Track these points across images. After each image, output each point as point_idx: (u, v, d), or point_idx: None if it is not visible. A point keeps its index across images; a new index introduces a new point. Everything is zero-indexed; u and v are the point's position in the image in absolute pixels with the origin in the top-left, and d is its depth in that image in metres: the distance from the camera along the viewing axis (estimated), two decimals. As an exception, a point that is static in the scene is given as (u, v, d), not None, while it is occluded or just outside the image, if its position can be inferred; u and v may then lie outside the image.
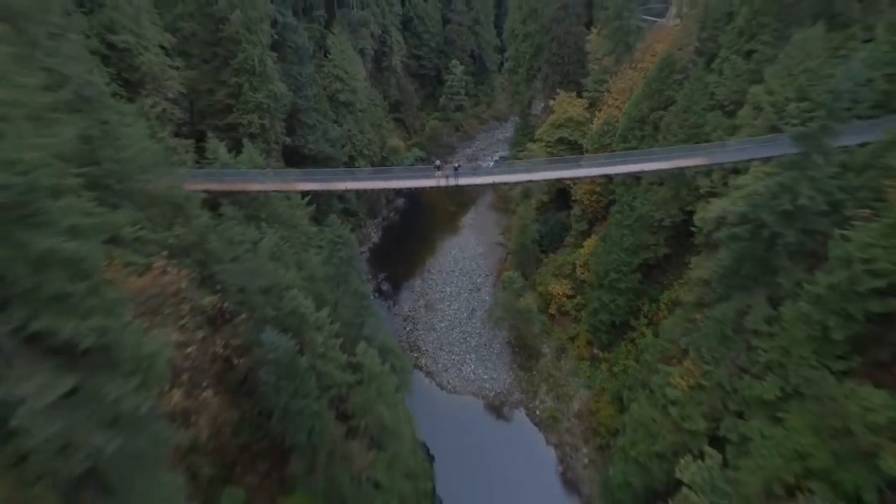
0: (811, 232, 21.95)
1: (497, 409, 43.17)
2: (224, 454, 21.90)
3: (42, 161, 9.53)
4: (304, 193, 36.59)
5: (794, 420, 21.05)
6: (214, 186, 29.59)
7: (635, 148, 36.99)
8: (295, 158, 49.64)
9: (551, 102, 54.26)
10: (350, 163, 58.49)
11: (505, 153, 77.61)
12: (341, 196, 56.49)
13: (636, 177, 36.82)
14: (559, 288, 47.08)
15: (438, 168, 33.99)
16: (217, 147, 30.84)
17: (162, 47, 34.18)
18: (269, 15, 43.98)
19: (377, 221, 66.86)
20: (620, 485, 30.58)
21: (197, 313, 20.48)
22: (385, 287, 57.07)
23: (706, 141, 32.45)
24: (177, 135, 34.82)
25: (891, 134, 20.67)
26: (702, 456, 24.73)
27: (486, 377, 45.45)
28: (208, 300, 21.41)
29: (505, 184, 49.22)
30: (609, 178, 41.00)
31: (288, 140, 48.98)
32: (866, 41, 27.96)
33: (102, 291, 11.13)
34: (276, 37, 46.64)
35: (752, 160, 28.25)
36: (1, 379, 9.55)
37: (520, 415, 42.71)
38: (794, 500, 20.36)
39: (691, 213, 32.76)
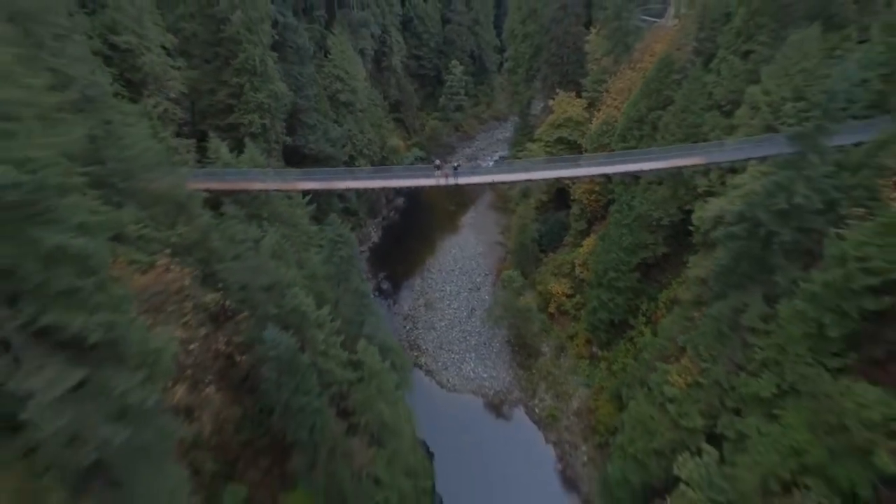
0: (807, 230, 22.12)
1: (496, 407, 43.39)
2: (226, 450, 22.10)
3: (51, 160, 9.78)
4: (305, 193, 36.84)
5: (791, 417, 21.19)
6: (216, 185, 29.84)
7: (634, 147, 37.20)
8: (295, 158, 49.87)
9: (550, 102, 54.50)
10: (350, 162, 58.73)
11: (504, 153, 77.80)
12: (341, 195, 56.72)
13: (635, 176, 37.04)
14: (558, 287, 47.31)
15: (438, 167, 34.23)
16: (219, 147, 31.10)
17: (164, 48, 34.40)
18: (269, 15, 44.26)
19: (377, 221, 67.10)
20: (619, 482, 30.76)
21: (199, 311, 20.73)
22: (385, 286, 57.31)
23: (704, 140, 32.65)
24: (178, 135, 35.07)
25: (885, 133, 20.87)
26: (699, 453, 24.91)
27: (485, 375, 45.68)
28: (211, 298, 21.66)
29: (504, 183, 49.49)
30: (608, 178, 41.24)
31: (288, 140, 49.25)
32: (861, 42, 28.18)
33: (109, 288, 11.38)
34: (276, 37, 46.91)
35: (748, 159, 28.48)
36: (11, 373, 9.79)
37: (519, 413, 42.94)
38: (789, 495, 20.54)
39: (689, 212, 32.95)
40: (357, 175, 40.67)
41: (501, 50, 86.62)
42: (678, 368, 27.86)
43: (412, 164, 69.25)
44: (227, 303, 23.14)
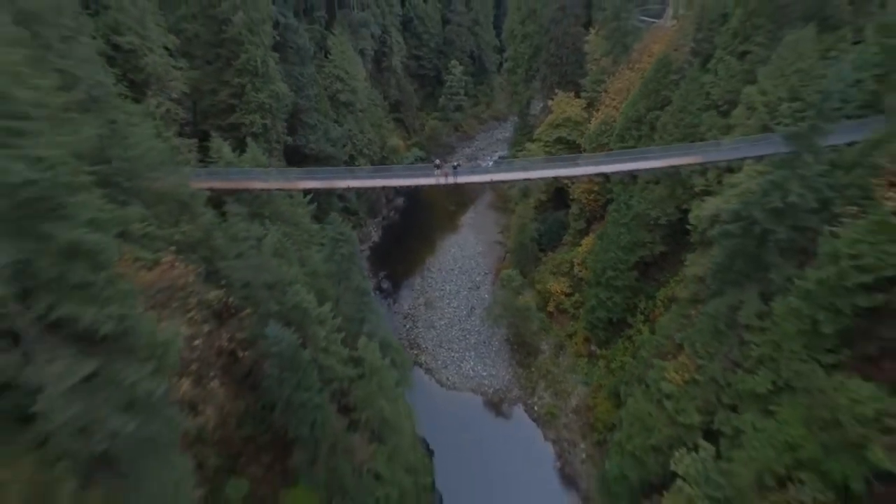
0: (801, 229, 22.39)
1: (496, 405, 43.66)
2: (229, 445, 22.39)
3: (62, 158, 10.09)
4: (306, 192, 37.15)
5: (786, 413, 21.44)
6: (219, 185, 30.15)
7: (632, 147, 37.53)
8: (296, 158, 50.16)
9: (550, 102, 54.79)
10: (350, 162, 59.07)
11: (504, 153, 78.04)
12: (341, 195, 57.05)
13: (633, 176, 37.35)
14: (557, 286, 47.62)
15: (438, 167, 34.57)
16: (221, 146, 31.40)
17: (166, 48, 34.67)
18: (271, 16, 44.60)
19: (377, 220, 67.41)
20: (617, 478, 31.06)
21: (203, 307, 21.05)
22: (385, 285, 57.61)
23: (702, 140, 32.97)
24: (180, 134, 35.34)
25: (878, 133, 21.15)
26: (696, 449, 25.21)
27: (485, 374, 45.97)
28: (214, 294, 21.96)
29: (503, 182, 49.75)
30: (606, 178, 41.53)
31: (289, 139, 49.56)
32: (856, 42, 28.49)
33: (118, 282, 11.69)
34: (277, 38, 47.28)
35: (745, 159, 28.78)
36: (26, 364, 10.10)
37: (518, 411, 43.20)
38: (784, 490, 20.79)
39: (687, 211, 33.25)
40: (357, 174, 41.04)
41: (501, 50, 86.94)
42: (675, 365, 28.13)
43: (412, 163, 69.57)
44: (231, 300, 23.45)
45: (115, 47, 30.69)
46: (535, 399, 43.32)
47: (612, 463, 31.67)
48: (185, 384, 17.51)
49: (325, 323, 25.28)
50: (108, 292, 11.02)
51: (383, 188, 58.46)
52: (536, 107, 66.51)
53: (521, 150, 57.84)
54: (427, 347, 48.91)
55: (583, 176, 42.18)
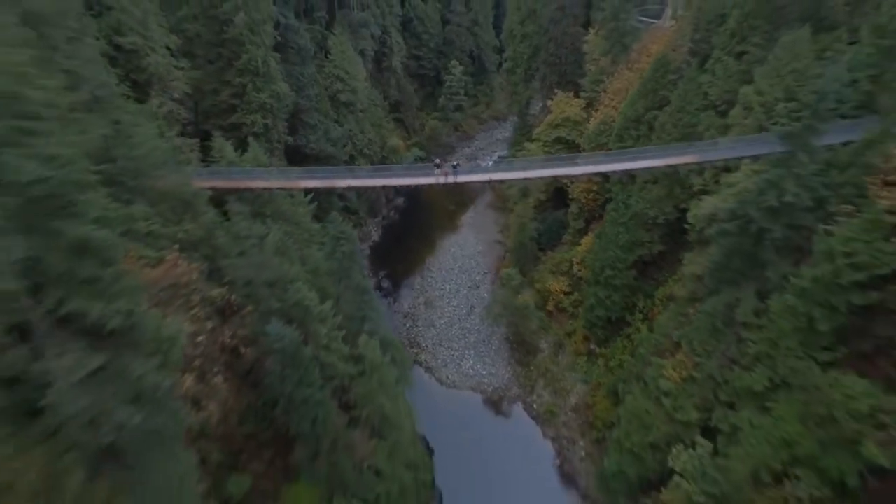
0: (797, 227, 22.64)
1: (495, 403, 43.85)
2: (231, 442, 22.64)
3: (73, 157, 10.36)
4: (307, 191, 37.39)
5: (782, 409, 21.67)
6: (221, 184, 30.37)
7: (631, 147, 37.76)
8: (297, 157, 50.39)
9: (549, 102, 55.01)
10: (350, 162, 59.27)
11: (504, 153, 78.27)
12: (342, 195, 57.30)
13: (631, 175, 37.58)
14: (556, 285, 47.83)
15: (438, 166, 34.82)
16: (223, 146, 31.65)
17: (168, 49, 34.90)
18: (272, 17, 44.85)
19: (377, 220, 67.64)
20: (615, 475, 31.26)
21: (206, 304, 21.32)
22: (385, 285, 57.82)
23: (699, 140, 33.19)
24: (182, 134, 35.58)
25: (872, 133, 21.39)
26: (693, 445, 25.48)
27: (484, 372, 46.16)
28: (217, 292, 22.23)
29: (502, 181, 49.95)
30: (605, 177, 41.76)
31: (290, 139, 49.79)
32: (851, 43, 28.77)
33: (124, 278, 11.95)
34: (278, 38, 47.55)
35: (741, 158, 29.02)
36: (37, 357, 10.37)
37: (518, 409, 43.38)
38: (780, 486, 21.06)
39: (685, 210, 33.50)
40: (358, 173, 41.28)
41: (500, 50, 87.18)
42: (673, 363, 28.35)
43: (412, 163, 69.83)
44: (233, 297, 23.72)
45: (118, 48, 30.88)
46: (535, 397, 43.53)
47: (610, 460, 31.87)
48: (189, 380, 17.79)
49: (326, 321, 25.55)
50: (115, 288, 11.30)
51: (383, 188, 58.69)
52: (536, 107, 66.75)
53: (520, 150, 58.08)
54: (427, 346, 49.12)
55: (582, 175, 42.42)
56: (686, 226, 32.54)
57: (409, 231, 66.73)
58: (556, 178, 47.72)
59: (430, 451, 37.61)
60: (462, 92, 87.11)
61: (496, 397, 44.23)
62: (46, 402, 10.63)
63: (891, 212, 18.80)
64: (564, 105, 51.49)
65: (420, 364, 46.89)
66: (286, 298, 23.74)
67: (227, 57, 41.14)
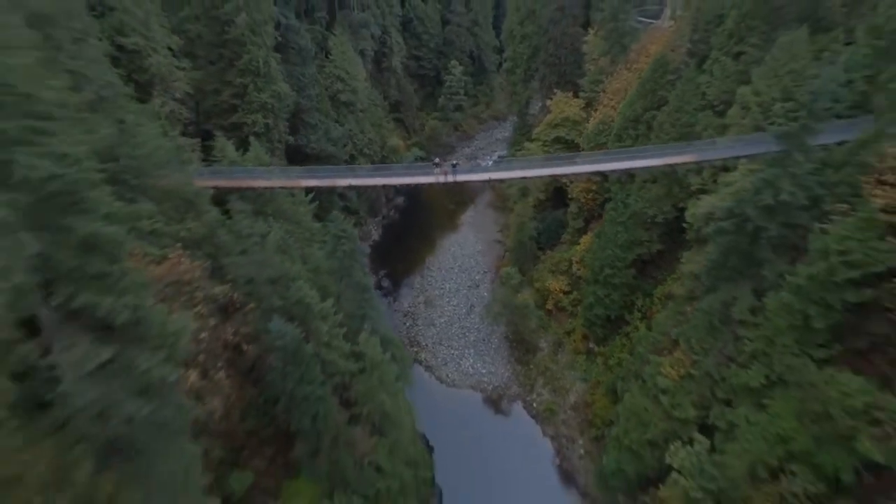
0: (792, 226, 22.83)
1: (495, 402, 44.05)
2: (233, 438, 22.88)
3: (83, 155, 10.61)
4: (308, 190, 37.63)
5: (778, 406, 21.87)
6: (223, 183, 30.59)
7: (630, 146, 37.98)
8: (298, 157, 50.65)
9: (548, 102, 55.26)
10: (351, 161, 59.57)
11: (504, 152, 78.49)
12: (342, 194, 57.57)
13: (630, 174, 37.82)
14: (556, 284, 48.07)
15: (437, 165, 35.07)
16: (225, 145, 31.89)
17: (170, 49, 35.15)
18: (272, 17, 45.13)
19: (377, 220, 67.91)
20: (614, 472, 31.49)
21: (209, 302, 21.56)
22: (385, 284, 58.05)
23: (697, 139, 33.41)
24: (183, 134, 35.74)
25: (867, 132, 21.62)
26: (691, 442, 25.68)
27: (484, 371, 46.38)
28: (219, 289, 22.45)
29: (501, 180, 50.18)
30: (604, 177, 41.98)
31: (291, 139, 50.07)
32: (848, 44, 29.00)
33: (131, 274, 12.21)
34: (279, 38, 47.82)
35: (738, 157, 29.25)
36: (44, 353, 10.62)
37: (517, 408, 43.58)
38: (777, 482, 21.29)
39: (683, 209, 33.75)
40: (358, 173, 41.52)
41: (500, 50, 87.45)
42: (671, 361, 28.55)
43: (412, 163, 70.03)
44: (235, 295, 23.94)
45: (120, 48, 31.13)
46: (534, 396, 43.74)
47: (609, 458, 32.07)
48: (193, 375, 18.05)
49: (328, 318, 25.77)
50: (123, 283, 11.55)
51: (383, 187, 58.97)
52: (535, 106, 66.97)
53: (520, 150, 58.30)
54: (427, 345, 49.34)
55: (581, 175, 42.67)
56: (684, 225, 32.81)
57: (409, 230, 66.97)
58: (555, 178, 47.97)
59: (430, 449, 37.81)
60: (462, 92, 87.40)
61: (496, 396, 44.44)
62: (57, 395, 10.87)
63: (885, 210, 18.95)
64: (564, 105, 51.73)
65: (420, 363, 47.11)
66: (288, 296, 23.98)
67: (228, 57, 41.42)
